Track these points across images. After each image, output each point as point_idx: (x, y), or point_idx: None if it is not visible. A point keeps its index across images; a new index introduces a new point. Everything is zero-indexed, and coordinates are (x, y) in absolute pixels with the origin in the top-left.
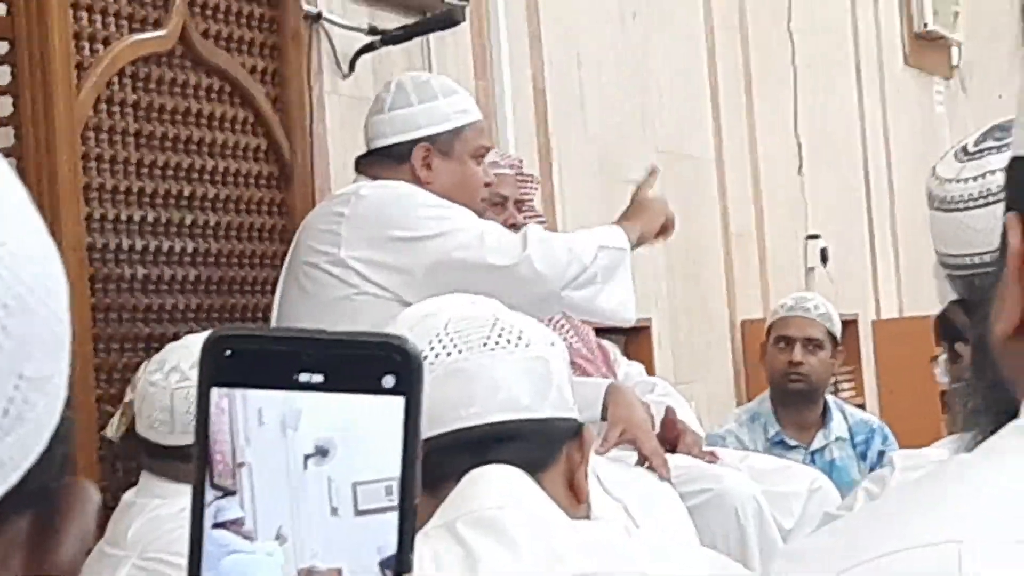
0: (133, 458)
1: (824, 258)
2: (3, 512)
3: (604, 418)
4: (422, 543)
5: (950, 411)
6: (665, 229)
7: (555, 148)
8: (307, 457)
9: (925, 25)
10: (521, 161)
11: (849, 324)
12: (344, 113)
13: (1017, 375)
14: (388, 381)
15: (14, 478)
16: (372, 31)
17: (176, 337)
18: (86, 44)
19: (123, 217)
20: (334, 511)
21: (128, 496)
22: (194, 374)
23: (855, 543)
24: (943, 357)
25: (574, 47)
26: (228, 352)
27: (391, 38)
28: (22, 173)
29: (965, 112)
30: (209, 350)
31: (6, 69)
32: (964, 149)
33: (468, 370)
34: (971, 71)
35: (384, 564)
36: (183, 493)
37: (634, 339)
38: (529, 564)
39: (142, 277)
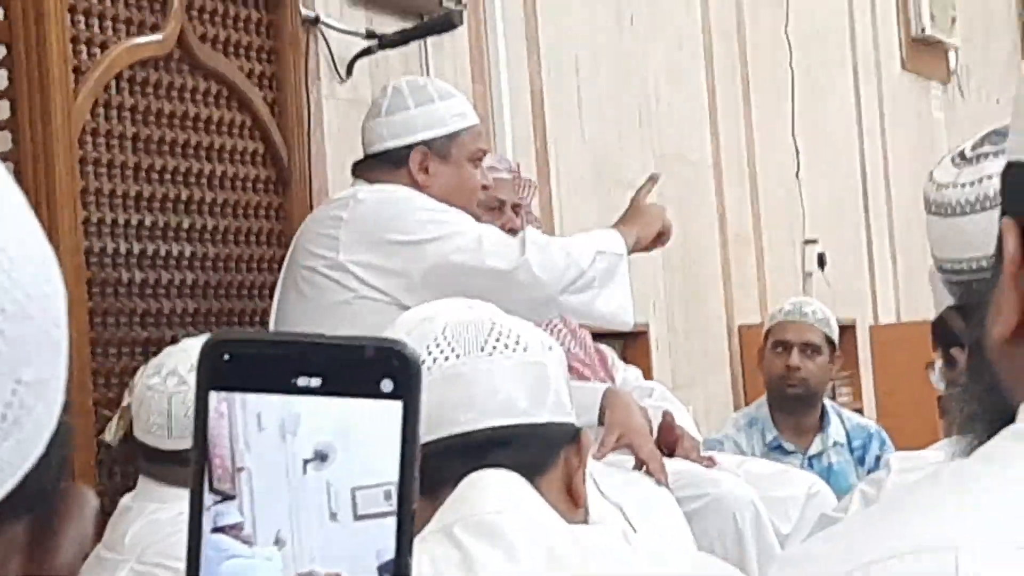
0: (131, 462)
1: (822, 263)
2: (1, 516)
3: (601, 422)
4: (420, 548)
5: (947, 416)
6: (661, 236)
7: (552, 152)
8: (306, 462)
9: (922, 29)
10: (518, 165)
11: (847, 329)
12: (342, 117)
13: (1013, 379)
14: (386, 385)
15: (12, 482)
16: (370, 35)
17: (174, 341)
18: (84, 48)
19: (121, 221)
20: (333, 516)
21: (126, 500)
22: (192, 378)
23: (852, 548)
24: (939, 363)
25: (571, 51)
26: (226, 356)
27: (389, 42)
28: (19, 177)
29: (962, 117)
30: (207, 354)
31: (3, 73)
32: (961, 154)
33: (466, 375)
34: (968, 76)
35: (383, 569)
36: (181, 497)
37: (632, 343)
38: (527, 569)
39: (140, 281)
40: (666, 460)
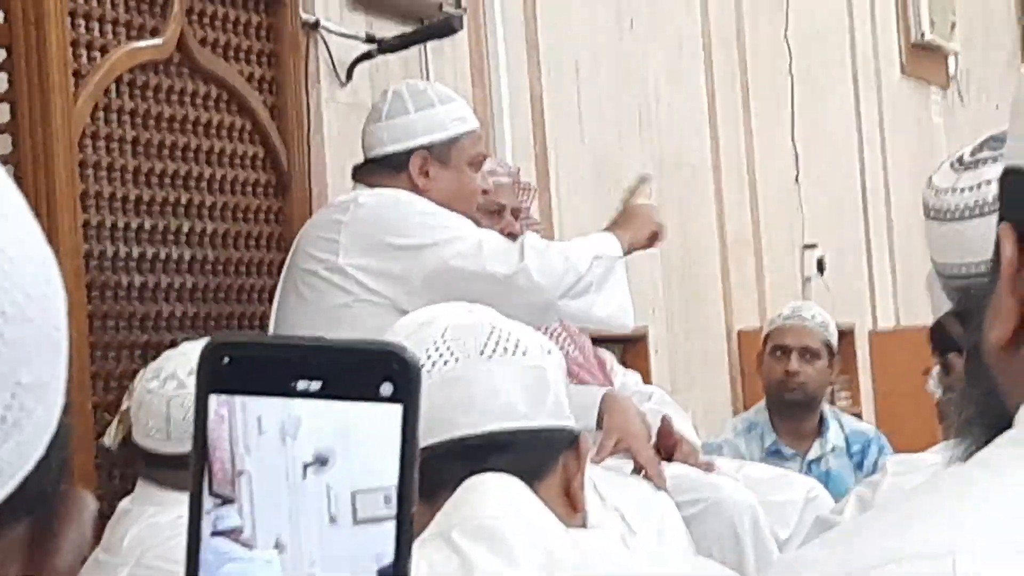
0: (130, 466)
1: (821, 267)
2: (0, 518)
3: (600, 427)
4: (418, 552)
5: (946, 421)
6: (655, 237)
7: (552, 156)
8: (306, 465)
9: (922, 35)
10: (518, 169)
11: (846, 334)
12: (342, 121)
13: (1011, 384)
14: (386, 389)
15: (11, 485)
16: (370, 39)
17: (173, 345)
18: (84, 52)
19: (120, 225)
20: (332, 519)
21: (124, 504)
22: (191, 382)
23: (850, 553)
24: (936, 369)
25: (571, 55)
26: (226, 359)
27: (389, 46)
28: (19, 180)
29: (962, 122)
30: (207, 357)
31: (3, 76)
32: (960, 160)
33: (465, 379)
34: (968, 81)
35: (382, 572)
36: (180, 501)
37: (631, 348)
38: (525, 573)
39: (139, 285)
40: (665, 464)
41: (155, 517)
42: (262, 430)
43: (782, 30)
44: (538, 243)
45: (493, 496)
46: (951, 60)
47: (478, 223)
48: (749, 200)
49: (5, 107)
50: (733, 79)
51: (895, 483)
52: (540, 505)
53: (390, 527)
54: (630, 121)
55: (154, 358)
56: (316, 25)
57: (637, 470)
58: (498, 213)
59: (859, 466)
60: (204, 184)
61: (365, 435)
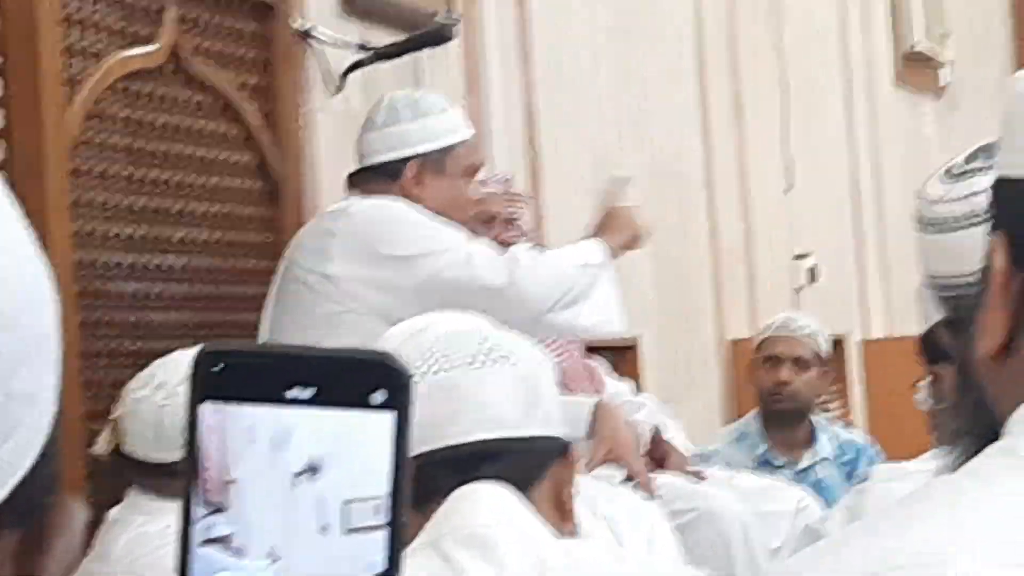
0: (120, 474)
1: (813, 277)
2: None
3: (591, 436)
4: (409, 561)
5: (936, 431)
6: (637, 238)
7: (545, 165)
8: (297, 474)
9: (914, 45)
10: (511, 178)
11: (837, 343)
12: (334, 129)
13: (1000, 395)
14: (378, 397)
15: (2, 495)
16: (363, 48)
17: (164, 353)
18: (77, 59)
19: (112, 233)
20: (324, 529)
21: (114, 512)
22: (182, 390)
23: (839, 564)
24: (925, 381)
25: (564, 64)
26: (218, 367)
27: (382, 55)
28: (11, 188)
29: (954, 132)
30: (199, 365)
31: None
32: (951, 170)
33: (456, 387)
34: (960, 91)
35: None
36: (170, 510)
37: (622, 357)
38: None
39: (131, 293)
40: (655, 474)
41: (145, 526)
42: (253, 438)
43: (774, 40)
44: (526, 256)
45: (484, 505)
46: (943, 70)
47: (471, 232)
48: (741, 209)
49: None
50: (726, 88)
51: (882, 491)
52: (531, 514)
53: (382, 536)
54: (622, 131)
55: (145, 366)
56: (309, 33)
57: (628, 479)
58: (490, 222)
59: (850, 476)
60: (196, 192)
61: (357, 443)
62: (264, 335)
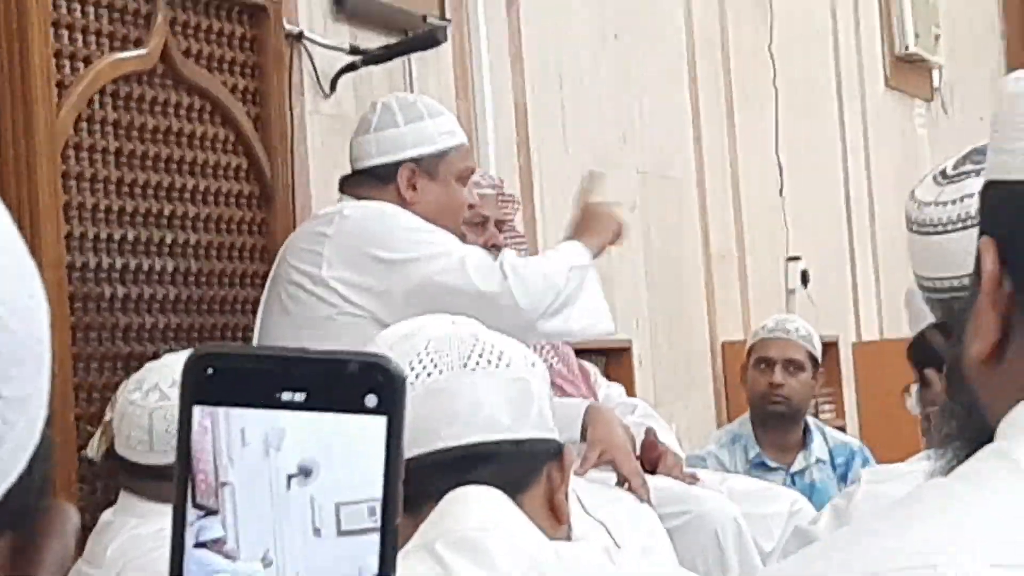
0: (113, 478)
1: (805, 280)
2: None
3: (584, 439)
4: (402, 563)
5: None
6: (618, 235)
7: (536, 168)
8: (290, 477)
9: (906, 47)
10: (502, 181)
11: (829, 346)
12: (325, 133)
13: (992, 398)
14: (371, 400)
15: None
16: (354, 51)
17: (156, 356)
18: (67, 62)
19: (103, 236)
20: (317, 531)
21: (106, 516)
22: (173, 393)
23: (831, 568)
24: (914, 386)
25: (556, 67)
26: (210, 370)
27: (373, 58)
28: (2, 191)
29: (946, 135)
30: (191, 368)
31: None
32: (943, 172)
33: (448, 390)
34: (952, 94)
35: None
36: (162, 513)
37: (615, 360)
38: None
39: (122, 296)
40: (649, 477)
41: (137, 529)
42: (245, 441)
43: (766, 42)
44: (517, 262)
45: (476, 508)
46: (935, 73)
47: (462, 236)
48: (733, 212)
49: None
50: (717, 91)
51: (869, 492)
52: (523, 517)
53: (374, 539)
54: (614, 133)
55: (137, 370)
56: (300, 36)
57: (621, 482)
58: (482, 225)
59: (843, 478)
60: (187, 195)
61: (349, 447)
62: (257, 338)
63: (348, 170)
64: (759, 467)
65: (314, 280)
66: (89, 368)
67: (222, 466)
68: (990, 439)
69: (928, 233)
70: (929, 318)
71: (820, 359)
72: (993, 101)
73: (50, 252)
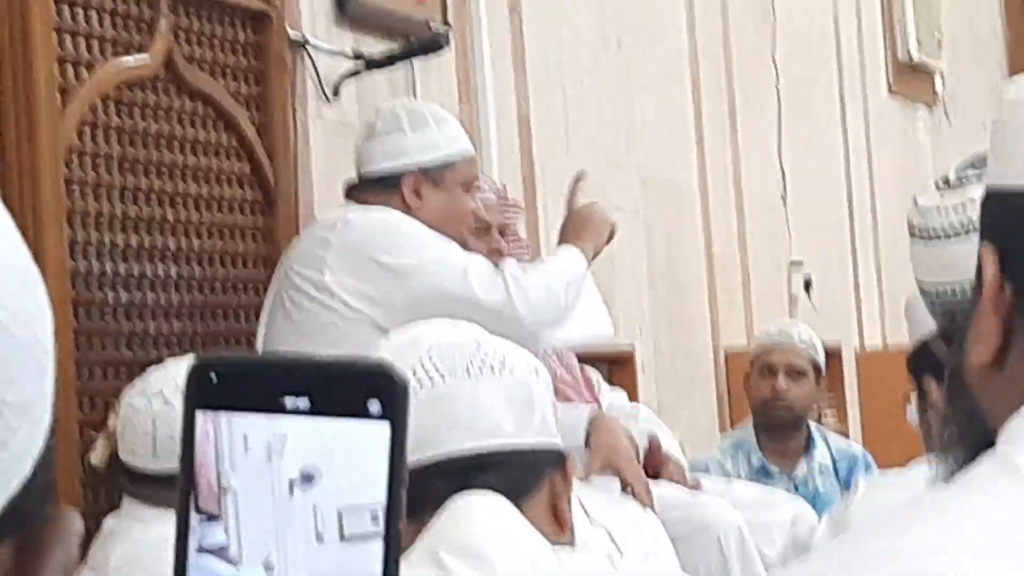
0: (116, 484)
1: (808, 286)
2: None
3: (587, 445)
4: (405, 570)
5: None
6: (611, 235)
7: (539, 174)
8: (292, 483)
9: (909, 54)
10: (505, 187)
11: (832, 352)
12: (328, 138)
13: (993, 405)
14: (374, 406)
15: None
16: (356, 56)
17: (159, 362)
18: (70, 68)
19: (106, 242)
20: (319, 537)
21: (110, 522)
22: (176, 399)
23: (831, 568)
24: (913, 395)
25: (558, 73)
26: (214, 376)
27: (375, 63)
28: (5, 197)
29: (948, 141)
30: (195, 374)
31: None
32: (945, 179)
33: (451, 396)
34: (955, 100)
35: None
36: (165, 519)
37: (618, 366)
38: None
39: (125, 302)
40: (652, 483)
41: (141, 535)
42: (248, 447)
43: (768, 47)
44: (519, 274)
45: (479, 514)
46: (938, 79)
47: (465, 242)
48: (735, 218)
49: None
50: (719, 96)
51: (865, 500)
52: (526, 524)
53: (377, 545)
54: (616, 139)
55: (140, 376)
56: (303, 43)
57: (624, 489)
58: (485, 231)
59: (846, 485)
60: (190, 201)
61: (352, 452)
62: (261, 344)
63: (351, 176)
64: (762, 473)
65: (317, 286)
66: (92, 374)
67: (224, 472)
68: (991, 445)
69: (930, 239)
70: (928, 328)
71: (823, 366)
72: (994, 108)
73: (53, 258)
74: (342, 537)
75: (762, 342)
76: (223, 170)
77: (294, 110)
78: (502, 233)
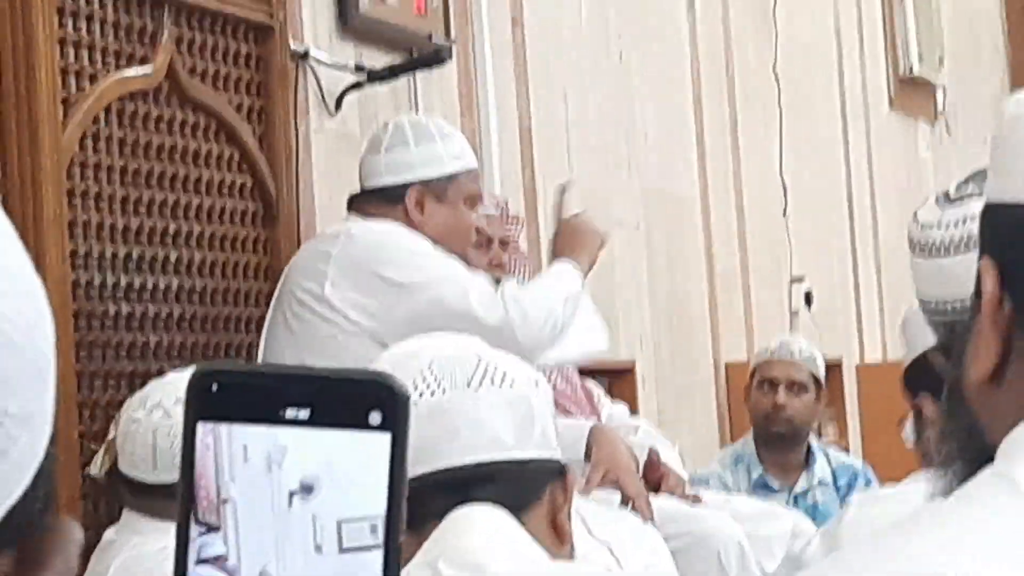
0: (116, 495)
1: (808, 301)
2: None
3: (587, 459)
4: None
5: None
6: (603, 246)
7: (540, 188)
8: (292, 494)
9: (910, 69)
10: (506, 201)
11: (833, 367)
12: (330, 151)
13: (991, 420)
14: (375, 418)
15: None
16: (359, 69)
17: (160, 374)
18: (73, 80)
19: (108, 253)
20: (318, 548)
21: (109, 534)
22: (177, 411)
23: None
24: (909, 416)
25: (560, 87)
26: (215, 387)
27: (378, 76)
28: (7, 208)
29: (950, 156)
30: (196, 385)
31: None
32: (946, 195)
33: (451, 409)
34: (956, 115)
35: None
36: (164, 531)
37: (618, 380)
38: None
39: (126, 313)
40: (652, 497)
41: (140, 547)
42: (248, 458)
43: (770, 64)
44: (518, 295)
45: (479, 527)
46: (939, 94)
47: (466, 255)
48: (737, 233)
49: None
50: (721, 112)
51: (857, 515)
52: (526, 537)
53: (377, 556)
54: (618, 153)
55: (141, 387)
56: (305, 55)
57: (625, 502)
58: (486, 244)
59: (846, 499)
60: (192, 213)
61: (352, 464)
62: (262, 357)
63: (353, 189)
64: (762, 488)
65: (317, 299)
66: (93, 385)
67: (224, 483)
68: (990, 460)
69: (931, 255)
70: (922, 345)
71: (823, 380)
72: (995, 123)
73: (55, 269)
74: (341, 548)
75: (763, 356)
76: (224, 182)
77: (296, 122)
78: (503, 246)
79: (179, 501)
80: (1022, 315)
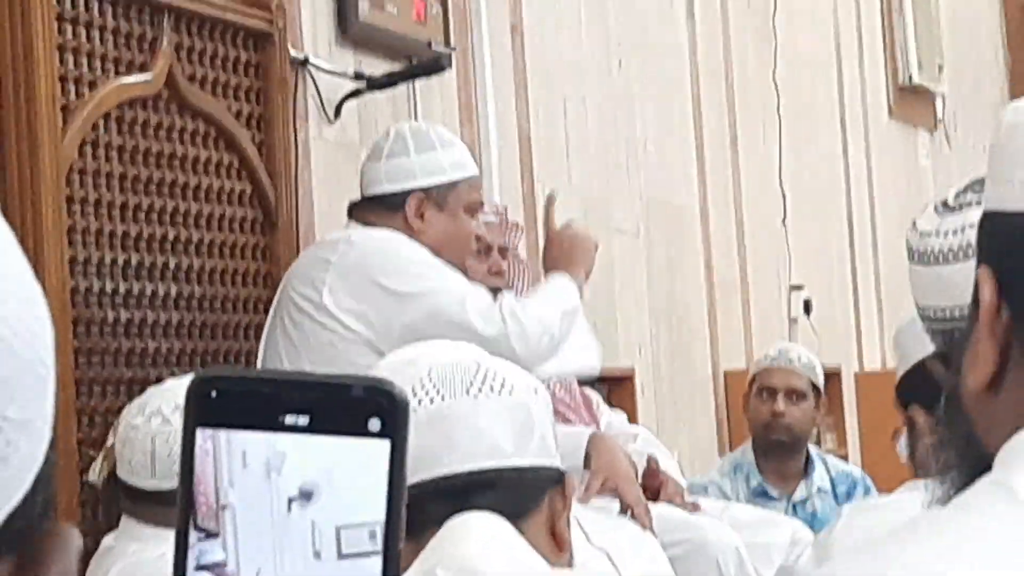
0: (115, 502)
1: (807, 309)
2: None
3: (587, 466)
4: None
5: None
6: (594, 255)
7: (540, 195)
8: (291, 500)
9: (910, 77)
10: (506, 208)
11: (832, 375)
12: (329, 159)
13: (989, 428)
14: (374, 424)
15: None
16: (358, 77)
17: (159, 381)
18: (72, 87)
19: (107, 260)
20: (317, 555)
21: (108, 540)
22: (175, 418)
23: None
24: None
25: (560, 95)
26: (214, 393)
27: (377, 84)
28: (6, 215)
29: (949, 164)
30: (195, 391)
31: None
32: (944, 203)
33: (451, 417)
34: (955, 123)
35: None
36: (163, 537)
37: (617, 388)
38: None
39: (125, 321)
40: (650, 505)
41: (139, 554)
42: (246, 464)
43: (770, 72)
44: (516, 308)
45: (477, 535)
46: (939, 103)
47: (465, 264)
48: (736, 241)
49: None
50: (721, 120)
51: (848, 525)
52: (525, 544)
53: (376, 563)
54: (618, 161)
55: (139, 394)
56: (305, 62)
57: (624, 510)
58: (485, 251)
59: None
60: (191, 220)
61: (351, 470)
62: (260, 363)
63: (352, 196)
64: (761, 496)
65: (316, 306)
66: (92, 392)
67: (223, 489)
68: (988, 468)
69: (929, 263)
70: (916, 357)
71: (822, 388)
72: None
73: (54, 276)
74: (340, 555)
75: (762, 364)
76: (224, 189)
77: (295, 129)
78: (502, 254)
79: (178, 507)
80: (1020, 323)
